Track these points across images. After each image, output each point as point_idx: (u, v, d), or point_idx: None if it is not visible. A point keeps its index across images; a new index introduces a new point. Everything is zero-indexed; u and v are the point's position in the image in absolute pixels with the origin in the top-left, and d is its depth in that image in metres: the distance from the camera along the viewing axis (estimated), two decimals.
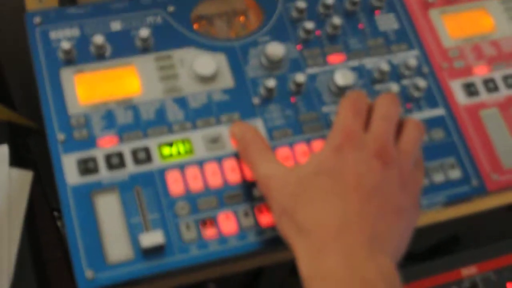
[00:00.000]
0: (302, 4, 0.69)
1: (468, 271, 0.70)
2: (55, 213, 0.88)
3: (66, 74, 0.63)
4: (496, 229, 0.79)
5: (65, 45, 0.63)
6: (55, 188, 0.61)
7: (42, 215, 0.82)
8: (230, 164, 0.62)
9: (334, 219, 0.54)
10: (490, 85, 0.70)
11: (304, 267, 0.54)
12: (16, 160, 0.83)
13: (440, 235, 0.84)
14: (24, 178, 0.81)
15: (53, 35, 0.65)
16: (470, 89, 0.70)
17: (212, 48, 0.67)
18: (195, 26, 0.68)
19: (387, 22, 0.72)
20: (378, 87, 0.68)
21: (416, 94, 0.68)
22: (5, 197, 0.80)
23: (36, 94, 0.64)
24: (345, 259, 0.52)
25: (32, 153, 0.88)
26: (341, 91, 0.67)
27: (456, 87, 0.69)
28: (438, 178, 0.65)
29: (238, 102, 0.65)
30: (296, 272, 0.56)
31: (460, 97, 0.69)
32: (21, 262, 0.80)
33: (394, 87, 0.67)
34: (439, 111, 0.68)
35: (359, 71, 0.69)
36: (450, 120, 0.68)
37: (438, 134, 0.67)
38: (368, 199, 0.55)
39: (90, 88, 0.63)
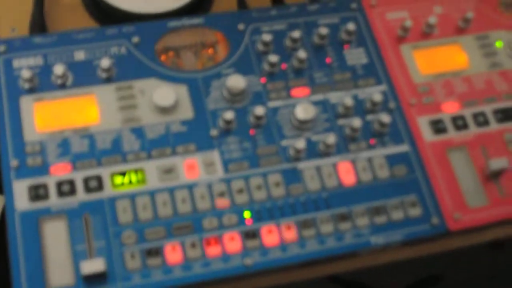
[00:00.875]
0: (267, 37, 0.68)
1: None
2: None
3: (25, 102, 0.64)
4: (479, 268, 0.76)
5: (26, 73, 0.64)
6: None
7: None
8: (181, 195, 0.62)
9: None
10: (459, 122, 0.68)
11: None
12: None
13: (420, 274, 0.82)
14: None
15: (16, 63, 0.66)
16: (437, 126, 0.68)
17: (174, 80, 0.67)
18: (162, 58, 0.68)
19: (356, 56, 0.71)
20: (341, 121, 0.67)
21: (380, 129, 0.67)
22: None
23: None
24: None
25: None
26: (302, 124, 0.66)
27: (423, 124, 0.68)
28: (397, 215, 0.63)
29: (196, 133, 0.65)
30: None
31: (427, 134, 0.67)
32: None
33: (357, 122, 0.66)
34: (403, 148, 0.67)
35: (323, 105, 0.68)
36: (414, 156, 0.66)
37: (400, 171, 0.65)
38: None
39: (48, 116, 0.64)
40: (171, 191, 0.62)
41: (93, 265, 0.57)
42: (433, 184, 0.65)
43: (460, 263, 0.79)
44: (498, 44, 0.73)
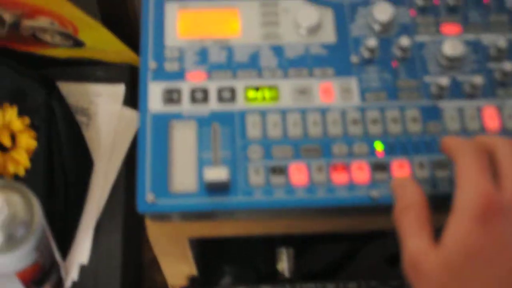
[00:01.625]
0: None
1: None
2: None
3: (170, 8, 0.64)
4: None
5: None
6: None
7: None
8: (313, 118, 0.60)
9: None
10: None
11: None
12: (131, 102, 0.86)
13: None
14: (134, 118, 0.84)
15: None
16: None
17: (320, 2, 0.65)
18: None
19: None
20: (492, 65, 0.63)
21: None
22: (112, 133, 0.83)
23: None
24: None
25: None
26: (449, 62, 0.62)
27: None
28: None
29: (336, 58, 0.63)
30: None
31: None
32: (114, 198, 0.83)
33: (509, 66, 0.61)
34: None
35: (474, 45, 0.64)
36: None
37: None
38: None
39: (191, 24, 0.64)
40: (303, 112, 0.60)
41: (217, 173, 0.56)
42: None
43: None
44: None
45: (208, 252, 0.76)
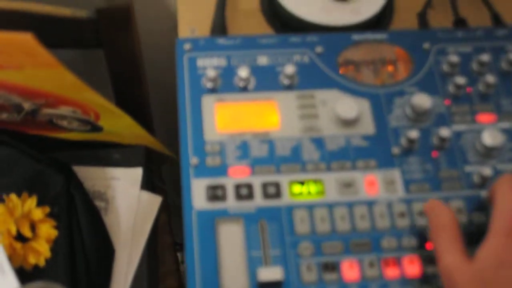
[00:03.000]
0: (455, 59, 0.66)
1: None
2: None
3: (207, 101, 0.64)
4: None
5: (210, 73, 0.63)
6: (179, 219, 0.61)
7: (163, 243, 0.83)
8: (360, 211, 0.60)
9: None
10: None
11: None
12: (148, 185, 0.85)
13: None
14: (152, 202, 0.83)
15: (200, 62, 0.65)
16: None
17: (356, 93, 0.65)
18: (341, 70, 0.67)
19: None
20: None
21: None
22: (132, 218, 0.81)
23: (174, 122, 0.65)
24: None
25: (164, 181, 0.89)
26: (488, 151, 0.63)
27: None
28: None
29: (377, 149, 0.63)
30: None
31: None
32: (138, 282, 0.81)
33: None
34: None
35: (510, 133, 0.65)
36: None
37: None
38: None
39: (229, 118, 0.63)
40: (350, 205, 0.60)
41: (271, 273, 0.56)
42: None
43: None
44: None
45: None
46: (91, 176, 0.84)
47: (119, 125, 0.80)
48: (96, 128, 0.82)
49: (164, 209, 0.82)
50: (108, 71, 0.85)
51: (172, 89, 0.67)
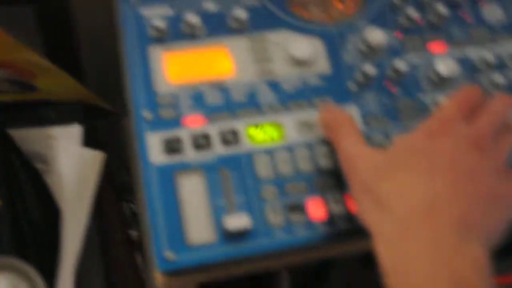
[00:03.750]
0: None
1: None
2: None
3: (155, 52, 0.62)
4: None
5: (157, 22, 0.61)
6: (120, 172, 0.59)
7: (107, 198, 0.81)
8: (322, 150, 0.59)
9: (422, 199, 0.50)
10: None
11: (382, 249, 0.50)
12: (88, 141, 0.83)
13: None
14: (95, 158, 0.81)
15: (144, 11, 0.63)
16: None
17: (307, 32, 0.64)
18: (292, 9, 0.65)
19: (493, 13, 0.67)
20: (481, 78, 0.64)
21: None
22: (76, 177, 0.79)
23: (110, 76, 0.63)
24: (432, 245, 0.48)
25: (103, 136, 0.86)
26: (442, 80, 0.63)
27: None
28: None
29: (333, 87, 0.62)
30: (369, 264, 0.52)
31: None
32: (88, 241, 0.80)
33: (499, 78, 0.63)
34: None
35: (462, 61, 0.65)
36: None
37: None
38: (460, 181, 0.50)
39: (180, 67, 0.61)
40: (311, 145, 0.59)
41: (238, 221, 0.55)
42: None
43: None
44: None
45: None
46: (28, 138, 0.81)
47: (55, 82, 0.78)
48: (30, 88, 0.79)
49: (105, 163, 0.81)
50: (39, 28, 0.82)
51: (107, 39, 0.65)
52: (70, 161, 0.81)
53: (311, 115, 0.60)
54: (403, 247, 0.49)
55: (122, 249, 0.81)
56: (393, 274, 0.49)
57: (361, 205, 0.53)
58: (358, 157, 0.54)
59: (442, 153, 0.52)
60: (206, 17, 0.64)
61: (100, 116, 0.87)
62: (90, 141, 0.81)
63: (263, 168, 0.58)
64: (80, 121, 0.84)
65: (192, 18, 0.62)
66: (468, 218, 0.49)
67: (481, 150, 0.52)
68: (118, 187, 0.84)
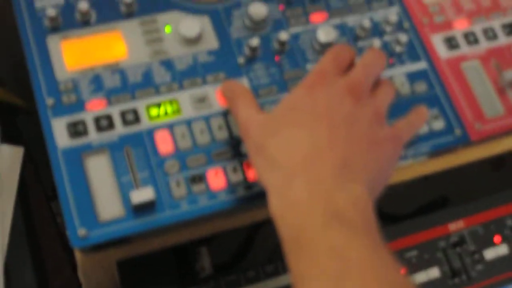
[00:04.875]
0: None
1: (456, 225, 0.71)
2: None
3: (52, 41, 0.64)
4: (483, 188, 0.80)
5: (51, 12, 0.64)
6: (47, 166, 0.62)
7: (34, 192, 0.83)
8: (217, 122, 0.64)
9: (302, 148, 0.54)
10: (470, 38, 0.71)
11: (273, 200, 0.54)
12: (7, 138, 0.84)
13: (429, 197, 0.86)
14: (15, 154, 0.82)
15: (38, 3, 0.65)
16: (450, 43, 0.71)
17: (195, 11, 0.68)
18: None
19: None
20: (360, 43, 0.70)
21: (398, 49, 0.69)
22: None
23: (25, 71, 0.65)
24: (311, 187, 0.52)
25: (22, 133, 0.88)
26: (324, 48, 0.68)
27: (437, 41, 0.71)
28: (422, 129, 0.66)
29: (224, 62, 0.66)
30: None
31: (442, 51, 0.70)
32: (15, 236, 0.81)
33: (376, 42, 0.68)
34: (421, 65, 0.70)
35: (341, 29, 0.70)
36: (432, 73, 0.69)
37: (421, 87, 0.68)
38: (338, 127, 0.55)
39: (77, 54, 0.64)
40: (207, 119, 0.64)
41: (143, 194, 0.59)
42: (452, 98, 0.68)
43: (463, 184, 0.82)
44: None
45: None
46: None
47: None
48: None
49: (28, 158, 0.83)
50: None
51: (17, 34, 0.67)
52: None
53: (205, 90, 0.65)
54: (288, 195, 0.53)
55: (52, 239, 0.83)
56: (281, 221, 0.53)
57: (257, 167, 0.57)
58: (251, 121, 0.58)
59: (319, 104, 0.56)
60: (98, 3, 0.66)
61: (17, 113, 0.89)
62: (10, 137, 0.83)
63: (163, 143, 0.62)
64: None
65: (84, 5, 0.64)
66: (347, 161, 0.54)
67: (356, 98, 0.57)
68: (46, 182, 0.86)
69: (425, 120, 0.63)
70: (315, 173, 0.53)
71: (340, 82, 0.58)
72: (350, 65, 0.61)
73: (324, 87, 0.57)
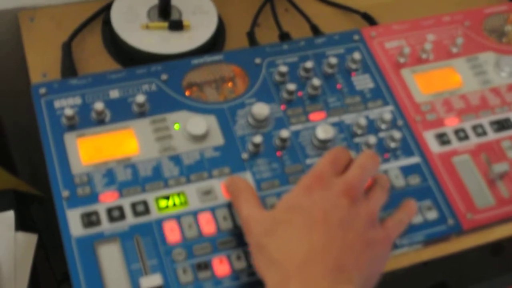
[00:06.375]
0: (284, 69, 0.75)
1: None
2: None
3: (69, 138, 0.69)
4: (482, 272, 0.83)
5: (68, 111, 0.69)
6: (57, 253, 0.65)
7: (45, 276, 0.86)
8: (222, 213, 0.67)
9: (299, 250, 0.58)
10: (460, 134, 0.76)
11: None
12: (21, 226, 0.88)
13: (428, 282, 0.88)
14: (29, 240, 0.86)
15: (57, 104, 0.71)
16: (442, 139, 0.75)
17: (203, 111, 0.73)
18: (187, 93, 0.75)
19: (363, 82, 0.78)
20: (357, 140, 0.74)
21: (392, 144, 0.74)
22: (12, 260, 0.84)
23: (38, 163, 0.70)
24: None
25: (35, 220, 0.92)
26: (323, 144, 0.72)
27: (429, 137, 0.75)
28: (417, 219, 0.70)
29: (228, 157, 0.71)
30: None
31: (434, 146, 0.75)
32: None
33: (372, 139, 0.73)
34: (414, 159, 0.74)
35: (339, 126, 0.75)
36: (425, 167, 0.74)
37: (415, 180, 0.73)
38: (334, 231, 0.59)
39: (92, 150, 0.69)
40: (213, 210, 0.68)
41: (152, 280, 0.62)
42: (445, 190, 0.72)
43: (462, 269, 0.85)
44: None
45: None
46: None
47: None
48: None
49: (40, 245, 0.86)
50: None
51: (33, 131, 0.72)
52: (6, 246, 0.86)
53: (211, 183, 0.69)
54: None
55: None
56: None
57: (257, 262, 0.62)
58: (252, 220, 0.63)
59: (316, 205, 0.61)
60: (112, 103, 0.72)
61: (32, 202, 0.93)
62: (24, 225, 0.87)
63: (171, 233, 0.66)
64: (13, 207, 0.89)
65: (100, 106, 0.70)
66: (341, 263, 0.58)
67: (351, 199, 0.62)
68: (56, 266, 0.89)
69: (414, 214, 0.68)
70: (311, 275, 0.57)
71: (337, 184, 0.62)
72: (347, 165, 0.66)
73: (321, 188, 0.62)
